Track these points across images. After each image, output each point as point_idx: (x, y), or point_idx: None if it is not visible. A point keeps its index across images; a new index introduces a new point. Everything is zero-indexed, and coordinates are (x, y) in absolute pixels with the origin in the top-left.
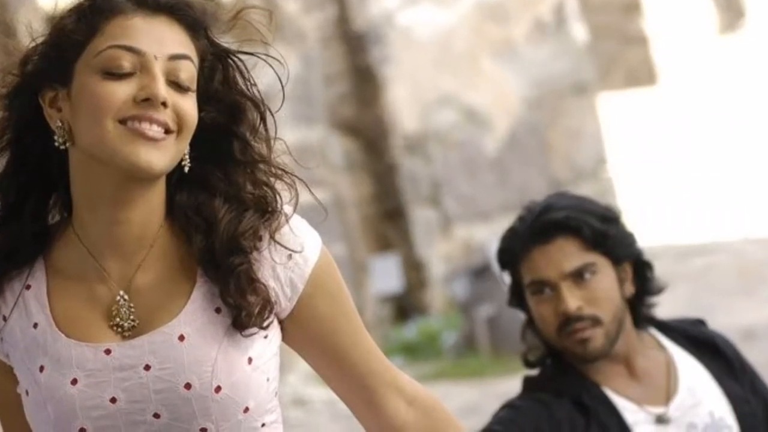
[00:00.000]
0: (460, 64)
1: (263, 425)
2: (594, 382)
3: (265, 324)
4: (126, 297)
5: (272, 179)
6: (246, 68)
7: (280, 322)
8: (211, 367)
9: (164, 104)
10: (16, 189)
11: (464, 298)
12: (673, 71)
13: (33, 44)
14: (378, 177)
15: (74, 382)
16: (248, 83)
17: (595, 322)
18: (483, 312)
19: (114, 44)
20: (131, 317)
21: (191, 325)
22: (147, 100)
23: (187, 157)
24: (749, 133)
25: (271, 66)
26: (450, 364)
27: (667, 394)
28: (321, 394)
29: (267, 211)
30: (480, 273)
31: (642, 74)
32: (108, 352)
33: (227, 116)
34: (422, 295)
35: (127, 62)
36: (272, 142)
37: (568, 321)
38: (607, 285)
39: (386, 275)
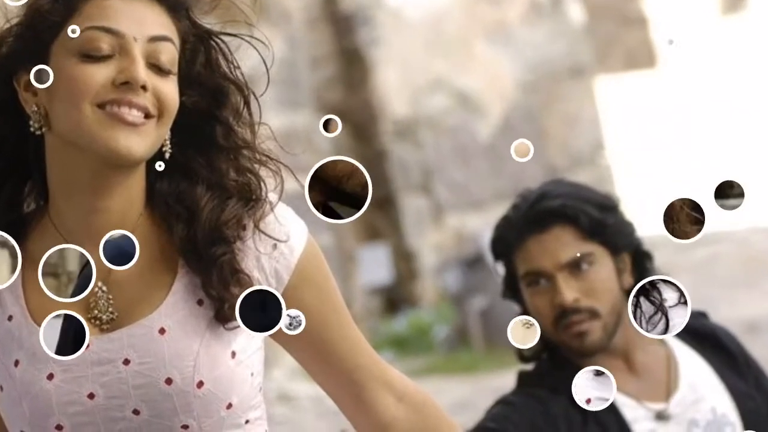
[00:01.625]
0: (453, 47)
1: (247, 422)
2: None
3: None
4: (104, 288)
5: (256, 166)
6: (229, 50)
7: None
8: (192, 362)
9: (144, 88)
10: None
11: (456, 290)
12: (674, 53)
13: (7, 25)
14: (366, 163)
15: (50, 377)
16: (231, 66)
17: (593, 314)
18: (476, 304)
19: (92, 25)
20: (110, 309)
21: (172, 318)
22: (126, 84)
23: (167, 142)
24: (752, 117)
25: (255, 48)
26: (441, 359)
27: (668, 389)
28: (307, 389)
29: (251, 199)
30: (473, 264)
31: (641, 56)
32: (86, 345)
33: (210, 100)
34: (412, 286)
35: (105, 44)
36: (256, 127)
37: (564, 313)
38: (605, 276)
39: (375, 266)
